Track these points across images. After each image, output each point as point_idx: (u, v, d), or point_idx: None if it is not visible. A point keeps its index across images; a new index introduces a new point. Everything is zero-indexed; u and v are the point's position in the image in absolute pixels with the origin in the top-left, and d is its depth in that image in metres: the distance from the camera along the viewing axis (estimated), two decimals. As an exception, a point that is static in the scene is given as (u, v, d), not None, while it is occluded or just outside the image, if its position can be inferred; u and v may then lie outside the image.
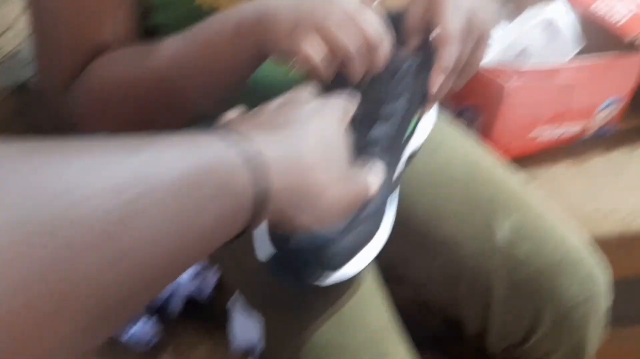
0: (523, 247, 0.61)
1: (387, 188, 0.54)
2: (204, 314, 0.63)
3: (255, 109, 0.40)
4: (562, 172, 0.85)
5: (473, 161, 0.67)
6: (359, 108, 0.48)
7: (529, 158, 0.86)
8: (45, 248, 0.21)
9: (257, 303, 0.56)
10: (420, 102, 0.54)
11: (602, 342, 0.67)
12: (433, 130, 0.66)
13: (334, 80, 0.48)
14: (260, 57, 0.50)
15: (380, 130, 0.51)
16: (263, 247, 0.49)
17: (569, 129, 0.87)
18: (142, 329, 0.55)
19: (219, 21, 0.50)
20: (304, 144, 0.35)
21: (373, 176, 0.42)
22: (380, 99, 0.51)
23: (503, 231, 0.61)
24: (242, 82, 0.54)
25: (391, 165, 0.55)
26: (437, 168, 0.65)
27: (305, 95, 0.41)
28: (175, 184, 0.26)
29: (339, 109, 0.41)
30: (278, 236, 0.48)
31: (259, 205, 0.31)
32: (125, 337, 0.55)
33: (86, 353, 0.24)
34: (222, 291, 0.60)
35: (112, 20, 0.57)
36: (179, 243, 0.27)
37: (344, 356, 0.54)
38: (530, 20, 0.88)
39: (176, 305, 0.59)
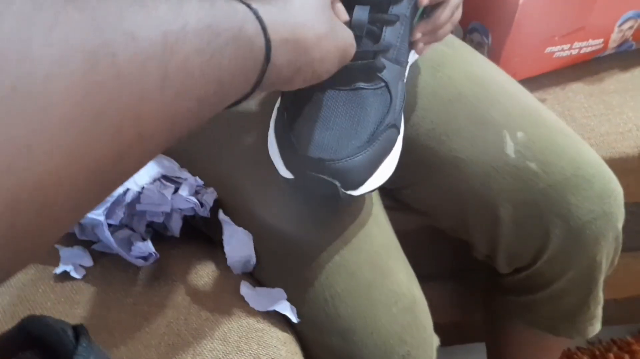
0: (534, 162, 0.58)
1: (402, 96, 0.52)
2: (204, 232, 0.62)
3: None
4: (576, 91, 0.82)
5: (481, 77, 0.64)
6: (364, 13, 0.48)
7: (542, 77, 0.82)
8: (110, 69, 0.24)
9: (257, 217, 0.55)
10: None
11: (613, 268, 0.66)
12: (438, 48, 0.63)
13: None
14: None
15: (391, 34, 0.50)
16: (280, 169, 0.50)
17: (585, 46, 0.83)
18: (144, 246, 0.53)
19: None
20: (288, 2, 0.38)
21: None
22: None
23: (513, 145, 0.59)
24: None
25: (402, 69, 0.53)
26: (442, 85, 0.62)
27: None
28: (198, 29, 0.28)
29: None
30: (294, 160, 0.48)
31: (267, 57, 0.34)
32: (126, 253, 0.54)
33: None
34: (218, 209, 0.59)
35: None
36: (207, 87, 0.29)
37: (345, 272, 0.53)
38: None
39: (176, 223, 0.57)
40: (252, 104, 0.59)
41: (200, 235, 0.62)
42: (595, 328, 0.66)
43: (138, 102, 0.25)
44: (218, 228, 0.57)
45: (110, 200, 0.53)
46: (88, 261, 0.57)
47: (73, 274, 0.56)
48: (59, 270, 0.56)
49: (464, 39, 0.84)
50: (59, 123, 0.22)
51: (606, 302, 0.67)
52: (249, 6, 0.34)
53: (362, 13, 0.48)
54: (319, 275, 0.53)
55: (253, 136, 0.57)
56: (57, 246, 0.58)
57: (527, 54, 0.80)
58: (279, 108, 0.53)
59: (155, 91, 0.26)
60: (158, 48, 0.26)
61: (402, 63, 0.52)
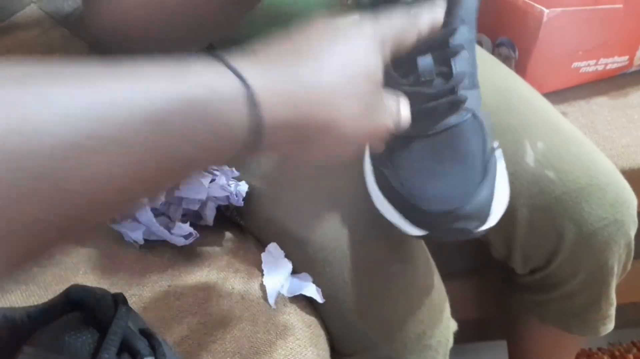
0: (552, 170, 0.61)
1: (487, 115, 0.52)
2: (236, 222, 0.66)
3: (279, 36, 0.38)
4: (600, 105, 0.84)
5: (503, 87, 0.67)
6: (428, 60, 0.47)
7: (565, 91, 0.85)
8: None
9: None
10: None
11: (626, 273, 0.68)
12: None
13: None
14: None
15: (460, 63, 0.49)
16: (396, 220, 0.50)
17: (611, 63, 0.85)
18: (185, 227, 0.58)
19: None
20: (316, 74, 0.32)
21: (402, 109, 0.39)
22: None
23: (533, 154, 0.62)
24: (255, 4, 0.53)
25: (479, 89, 0.53)
26: None
27: (332, 19, 0.37)
28: (152, 115, 0.25)
29: (372, 32, 0.36)
30: (421, 219, 0.48)
31: (251, 140, 0.29)
32: (163, 235, 0.58)
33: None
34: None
35: None
36: (151, 172, 0.26)
37: (366, 256, 0.57)
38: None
39: (211, 211, 0.62)
40: None
41: (231, 225, 0.66)
42: (608, 327, 0.69)
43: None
44: (249, 217, 0.61)
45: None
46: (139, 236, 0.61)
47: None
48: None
49: (492, 52, 0.87)
50: None
51: (625, 305, 0.70)
52: (240, 76, 0.29)
53: (426, 61, 0.47)
54: (341, 259, 0.56)
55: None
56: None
57: (553, 68, 0.82)
58: (374, 165, 0.53)
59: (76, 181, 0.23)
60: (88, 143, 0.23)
61: (477, 84, 0.52)
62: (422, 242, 0.61)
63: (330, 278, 0.57)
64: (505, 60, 0.86)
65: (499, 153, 0.52)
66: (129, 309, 0.39)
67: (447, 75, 0.49)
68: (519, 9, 0.80)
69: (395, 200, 0.50)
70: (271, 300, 0.56)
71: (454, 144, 0.49)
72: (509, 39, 0.85)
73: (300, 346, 0.55)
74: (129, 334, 0.37)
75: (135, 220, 0.61)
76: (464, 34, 0.49)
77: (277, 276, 0.57)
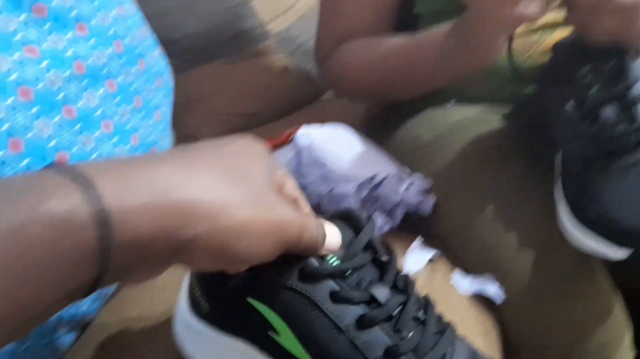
0: None
1: None
2: (420, 230, 0.73)
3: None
4: None
5: None
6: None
7: None
8: None
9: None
10: None
11: None
12: None
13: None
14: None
15: None
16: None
17: None
18: (380, 219, 0.66)
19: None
20: (191, 185, 0.29)
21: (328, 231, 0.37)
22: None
23: None
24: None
25: None
26: None
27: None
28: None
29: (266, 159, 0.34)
30: (618, 231, 0.54)
31: (104, 263, 0.26)
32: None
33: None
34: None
35: (364, 18, 0.81)
36: None
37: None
38: None
39: (400, 214, 0.69)
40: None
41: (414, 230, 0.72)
42: None
43: None
44: (435, 224, 0.68)
45: (359, 180, 0.66)
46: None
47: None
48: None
49: None
50: None
51: None
52: (87, 187, 0.26)
53: (607, 111, 0.57)
54: (524, 268, 0.62)
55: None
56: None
57: None
58: (568, 200, 0.59)
59: None
60: None
61: None
62: (604, 269, 0.64)
63: (510, 285, 0.61)
64: None
65: None
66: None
67: (632, 120, 0.57)
68: None
69: (596, 225, 0.56)
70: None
71: None
72: None
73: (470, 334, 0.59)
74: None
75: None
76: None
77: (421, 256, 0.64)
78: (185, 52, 0.92)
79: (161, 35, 0.80)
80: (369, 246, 0.40)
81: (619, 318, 0.62)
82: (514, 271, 0.62)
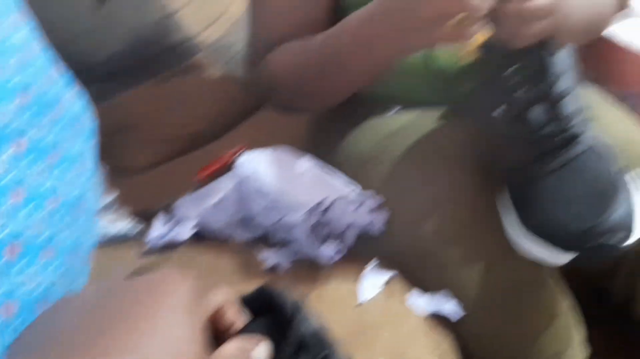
0: None
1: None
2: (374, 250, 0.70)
3: None
4: None
5: (626, 138, 0.69)
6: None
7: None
8: None
9: None
10: None
11: None
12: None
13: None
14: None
15: (568, 104, 0.57)
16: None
17: None
18: (334, 245, 0.63)
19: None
20: None
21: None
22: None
23: None
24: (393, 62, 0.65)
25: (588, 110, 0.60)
26: None
27: None
28: None
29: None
30: (566, 243, 0.54)
31: None
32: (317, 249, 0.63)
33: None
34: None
35: (295, 17, 0.75)
36: None
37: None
38: None
39: (351, 236, 0.66)
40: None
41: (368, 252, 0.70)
42: None
43: None
44: (388, 243, 0.66)
45: (307, 206, 0.63)
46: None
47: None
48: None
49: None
50: None
51: None
52: None
53: (534, 113, 0.56)
54: (476, 281, 0.61)
55: None
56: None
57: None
58: (515, 205, 0.59)
59: None
60: None
61: (589, 118, 0.58)
62: (553, 272, 0.63)
63: (464, 300, 0.60)
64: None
65: (632, 176, 0.57)
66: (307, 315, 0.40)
67: (558, 118, 0.56)
68: None
69: (540, 231, 0.55)
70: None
71: (579, 172, 0.55)
72: (636, 92, 0.87)
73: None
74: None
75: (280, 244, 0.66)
76: (565, 80, 0.56)
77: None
78: (110, 76, 0.86)
79: (80, 60, 0.74)
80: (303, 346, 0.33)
81: (569, 323, 0.62)
82: (466, 286, 0.61)
